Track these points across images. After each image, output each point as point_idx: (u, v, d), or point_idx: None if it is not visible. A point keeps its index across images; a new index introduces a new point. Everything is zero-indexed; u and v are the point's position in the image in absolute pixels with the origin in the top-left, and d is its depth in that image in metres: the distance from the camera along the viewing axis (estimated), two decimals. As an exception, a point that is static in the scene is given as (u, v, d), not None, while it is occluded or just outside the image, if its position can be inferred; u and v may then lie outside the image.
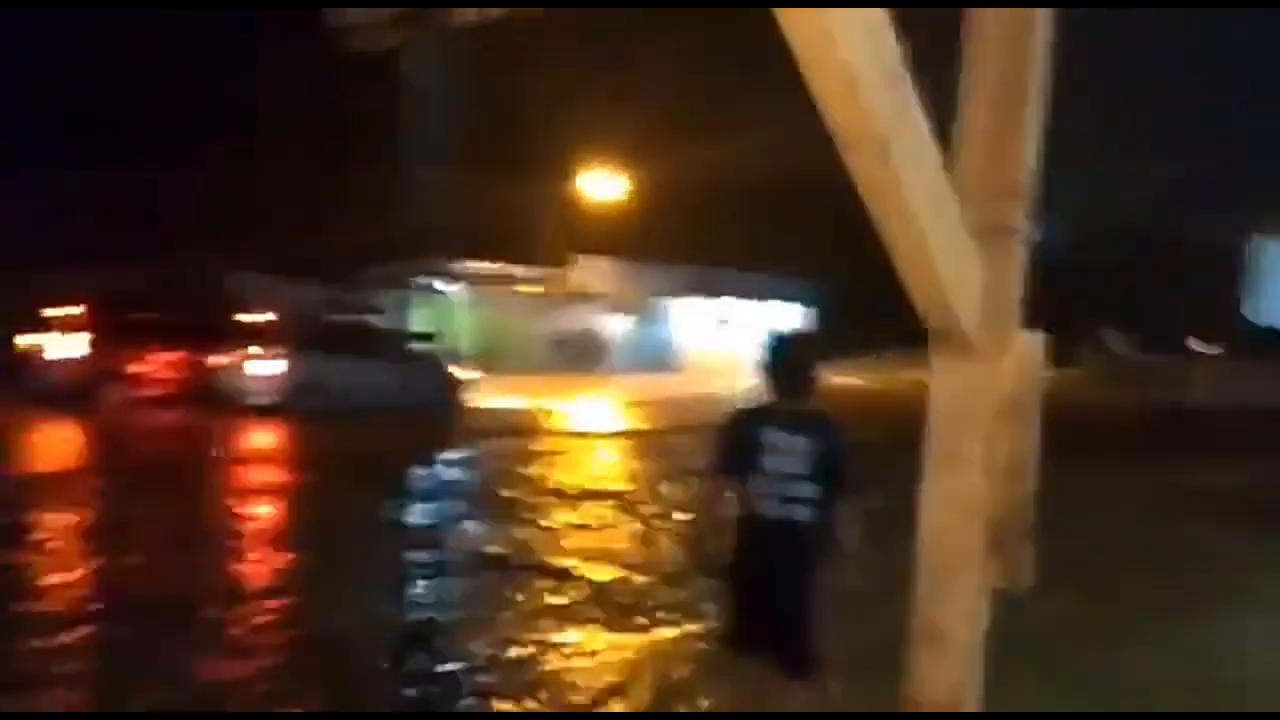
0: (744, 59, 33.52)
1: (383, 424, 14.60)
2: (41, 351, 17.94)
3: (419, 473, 11.42)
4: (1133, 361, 34.57)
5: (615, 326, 32.57)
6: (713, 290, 34.13)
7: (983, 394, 1.69)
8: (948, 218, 1.54)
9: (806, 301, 37.66)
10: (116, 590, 6.55)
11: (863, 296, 40.09)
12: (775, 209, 37.74)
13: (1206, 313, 38.05)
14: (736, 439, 3.59)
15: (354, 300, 23.49)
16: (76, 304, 17.65)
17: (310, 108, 23.33)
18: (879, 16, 1.33)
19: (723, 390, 26.03)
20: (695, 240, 31.25)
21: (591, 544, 8.17)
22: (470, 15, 4.17)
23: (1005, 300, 1.69)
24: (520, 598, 6.52)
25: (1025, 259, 1.71)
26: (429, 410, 16.13)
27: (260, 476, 11.35)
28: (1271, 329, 36.25)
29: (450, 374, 18.09)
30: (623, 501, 10.03)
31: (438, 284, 27.04)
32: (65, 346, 17.66)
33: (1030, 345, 1.73)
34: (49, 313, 17.94)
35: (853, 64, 1.26)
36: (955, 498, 1.71)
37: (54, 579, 6.70)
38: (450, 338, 24.10)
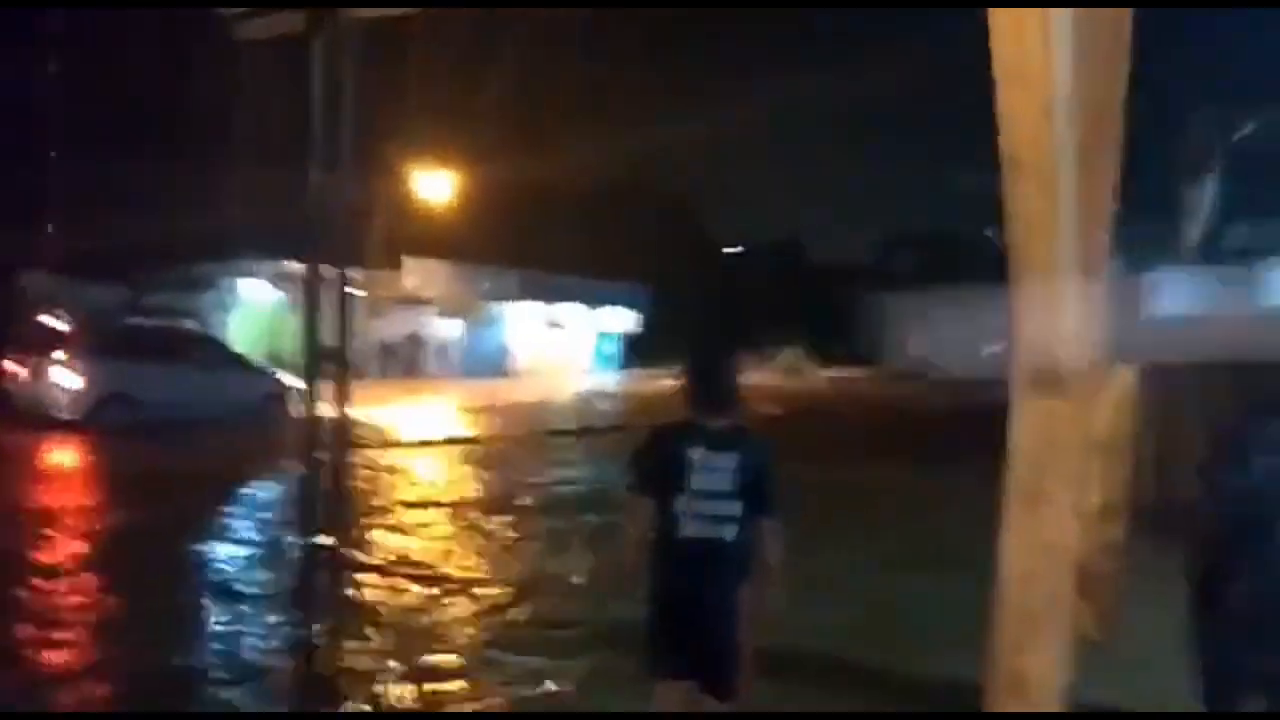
0: (579, 68, 33.82)
1: (198, 437, 13.58)
2: None
3: (239, 490, 10.56)
4: (927, 366, 36.94)
5: (446, 331, 31.79)
6: (544, 294, 33.97)
7: (1074, 433, 1.63)
8: (1071, 249, 1.46)
9: (635, 305, 38.22)
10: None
11: (684, 301, 41.35)
12: (603, 214, 38.21)
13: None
14: (661, 457, 3.49)
15: (164, 303, 21.79)
16: None
17: (118, 97, 21.55)
18: (1069, 44, 1.24)
19: (558, 392, 26.16)
20: (526, 244, 31.09)
21: (445, 559, 7.82)
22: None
23: (1096, 335, 1.64)
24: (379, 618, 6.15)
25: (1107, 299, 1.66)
26: (249, 421, 15.03)
27: (57, 499, 10.07)
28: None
29: (271, 382, 16.78)
30: (464, 512, 9.73)
31: (257, 285, 25.54)
32: None
33: (1124, 384, 1.69)
34: None
35: (1058, 87, 1.16)
36: (1042, 541, 1.64)
37: None
38: (270, 343, 22.75)
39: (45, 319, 16.41)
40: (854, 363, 45.28)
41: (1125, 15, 1.64)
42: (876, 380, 41.58)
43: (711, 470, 3.38)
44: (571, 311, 36.07)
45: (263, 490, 10.61)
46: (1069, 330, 1.56)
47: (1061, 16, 1.17)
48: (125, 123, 21.67)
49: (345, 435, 4.16)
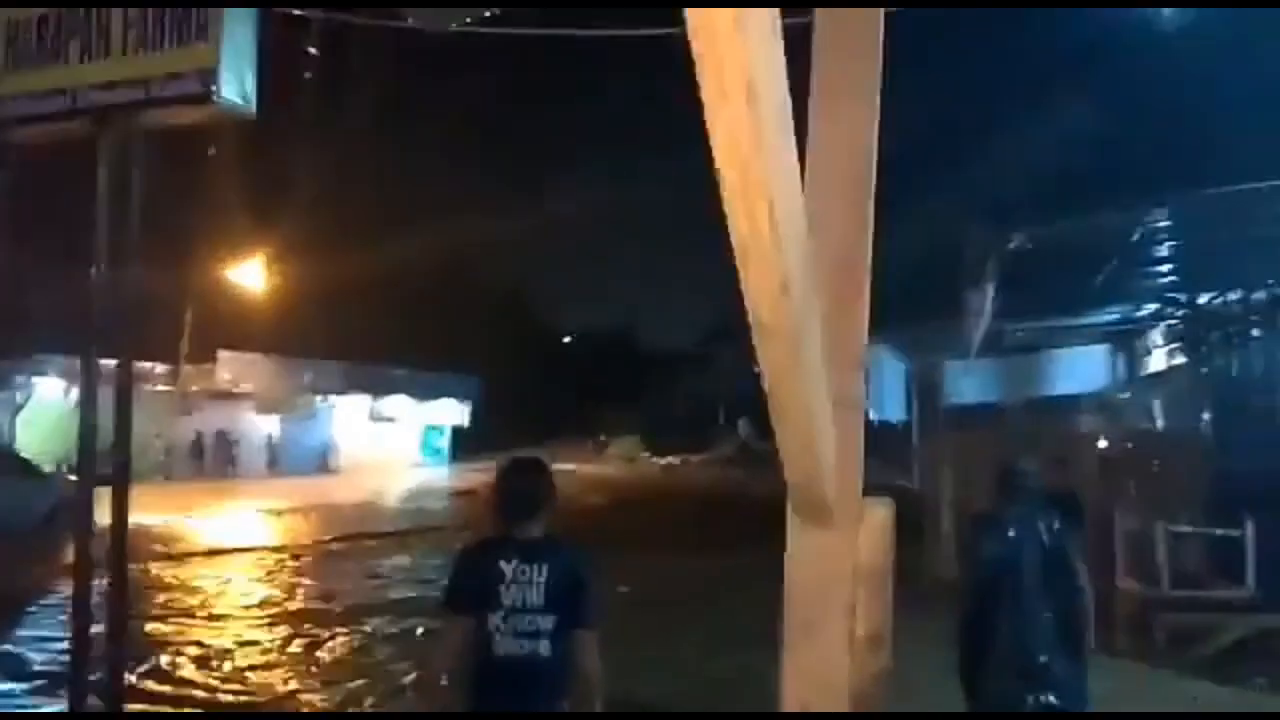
0: (405, 159, 33.67)
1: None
2: None
3: (25, 611, 9.58)
4: (756, 450, 38.17)
5: (264, 426, 30.24)
6: (370, 386, 33.01)
7: (842, 564, 1.71)
8: (824, 394, 1.56)
9: (464, 397, 37.71)
10: None
11: (510, 392, 41.19)
12: (428, 307, 37.81)
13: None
14: (471, 573, 3.43)
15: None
16: None
17: None
18: (802, 221, 1.34)
19: (381, 490, 25.19)
20: (350, 336, 30.27)
21: (263, 679, 7.30)
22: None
23: (855, 470, 1.74)
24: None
25: (863, 429, 1.78)
26: (36, 533, 13.73)
27: None
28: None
29: (60, 489, 15.35)
30: (287, 626, 9.14)
31: (46, 384, 23.64)
32: None
33: (881, 514, 1.79)
34: None
35: (790, 265, 1.25)
36: (817, 670, 1.70)
37: None
38: (61, 446, 20.96)
39: None
40: (687, 449, 46.15)
41: (868, 170, 1.79)
42: (710, 464, 42.53)
43: (522, 583, 3.33)
44: (398, 404, 35.15)
45: (44, 609, 9.64)
46: (829, 466, 1.65)
47: (791, 194, 1.27)
48: None
49: (122, 548, 3.85)
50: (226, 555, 14.14)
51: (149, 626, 8.90)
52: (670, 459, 43.54)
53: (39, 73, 3.85)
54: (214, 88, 3.61)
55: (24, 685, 7.06)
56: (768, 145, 1.18)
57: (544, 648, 3.30)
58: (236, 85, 3.65)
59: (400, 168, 33.17)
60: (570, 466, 34.06)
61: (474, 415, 38.50)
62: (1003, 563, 4.77)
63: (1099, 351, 14.28)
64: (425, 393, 35.72)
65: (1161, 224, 9.17)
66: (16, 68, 3.87)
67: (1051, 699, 4.58)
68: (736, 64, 1.12)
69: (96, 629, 4.02)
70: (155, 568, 12.35)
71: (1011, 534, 4.79)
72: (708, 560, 12.80)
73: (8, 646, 8.28)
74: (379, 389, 33.67)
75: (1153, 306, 13.22)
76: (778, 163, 1.21)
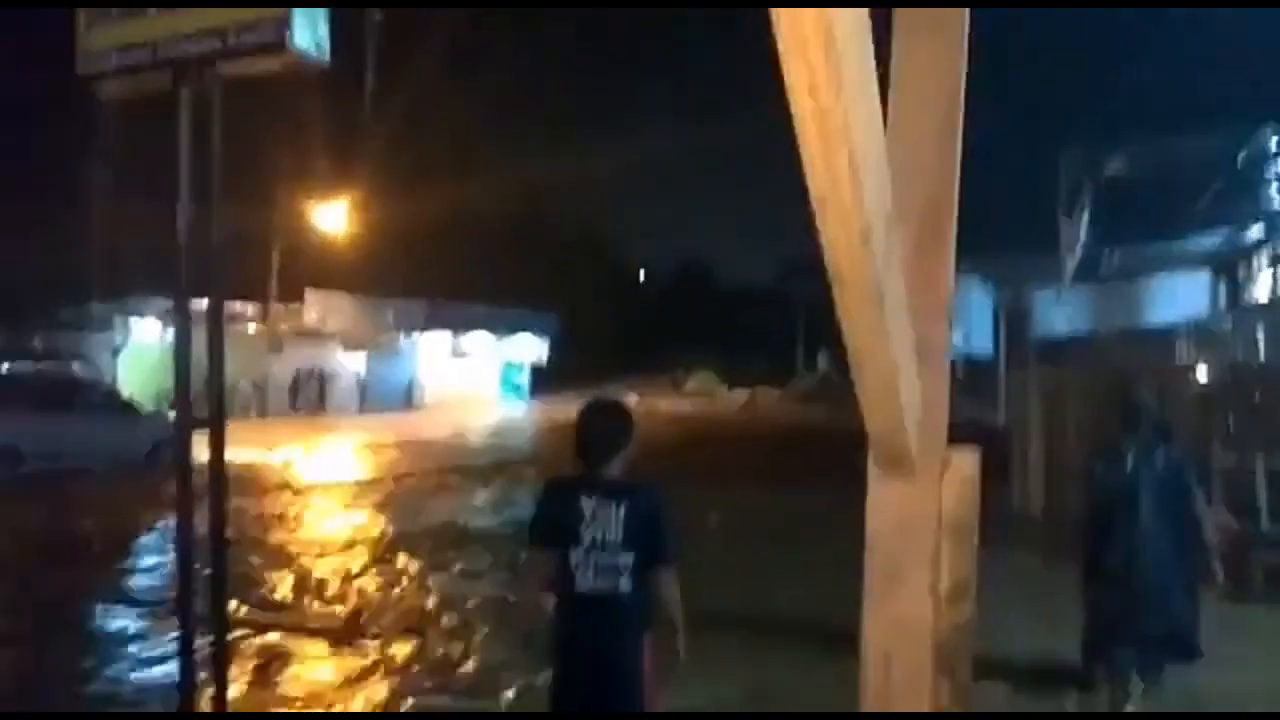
0: (484, 104, 33.70)
1: (81, 489, 13.04)
2: None
3: (139, 543, 10.14)
4: (836, 383, 37.82)
5: (352, 364, 31.10)
6: (451, 324, 33.58)
7: (925, 515, 1.68)
8: (907, 345, 1.51)
9: (542, 333, 38.11)
10: None
11: (588, 329, 41.53)
12: (506, 246, 38.13)
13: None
14: (553, 510, 3.50)
15: (47, 348, 20.87)
16: None
17: None
18: (884, 169, 1.28)
19: (464, 426, 25.78)
20: (431, 275, 30.76)
21: (365, 613, 7.61)
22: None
23: (939, 420, 1.70)
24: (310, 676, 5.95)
25: (951, 376, 1.72)
26: (139, 470, 14.45)
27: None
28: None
29: (162, 427, 16.07)
30: (387, 561, 9.47)
31: (145, 326, 24.64)
32: None
33: (966, 464, 1.75)
34: None
35: (870, 216, 1.20)
36: (900, 621, 1.69)
37: None
38: (160, 385, 21.92)
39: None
40: (766, 383, 45.97)
41: (954, 110, 1.71)
42: (789, 399, 42.34)
43: (601, 521, 3.38)
44: (478, 341, 35.73)
45: (150, 545, 10.19)
46: (913, 418, 1.61)
47: (872, 141, 1.21)
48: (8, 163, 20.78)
49: (221, 485, 4.02)
50: (324, 489, 14.67)
51: (251, 559, 9.32)
52: (749, 394, 43.43)
53: (120, 27, 3.92)
54: (288, 36, 3.63)
55: (133, 616, 7.46)
56: (847, 92, 1.12)
57: (624, 584, 3.36)
58: (310, 33, 3.66)
59: (478, 109, 33.20)
60: (649, 401, 34.36)
61: (552, 351, 38.93)
62: (1124, 492, 5.05)
63: (1199, 278, 13.66)
64: (504, 329, 36.21)
65: (1269, 144, 8.64)
66: (98, 23, 3.95)
67: (1169, 625, 4.98)
68: (814, 9, 1.07)
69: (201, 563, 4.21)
70: (257, 502, 12.89)
71: (1131, 464, 5.07)
72: (791, 495, 12.85)
73: (117, 578, 8.79)
74: (460, 326, 34.24)
75: (1258, 230, 12.53)
76: (858, 110, 1.15)
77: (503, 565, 9.02)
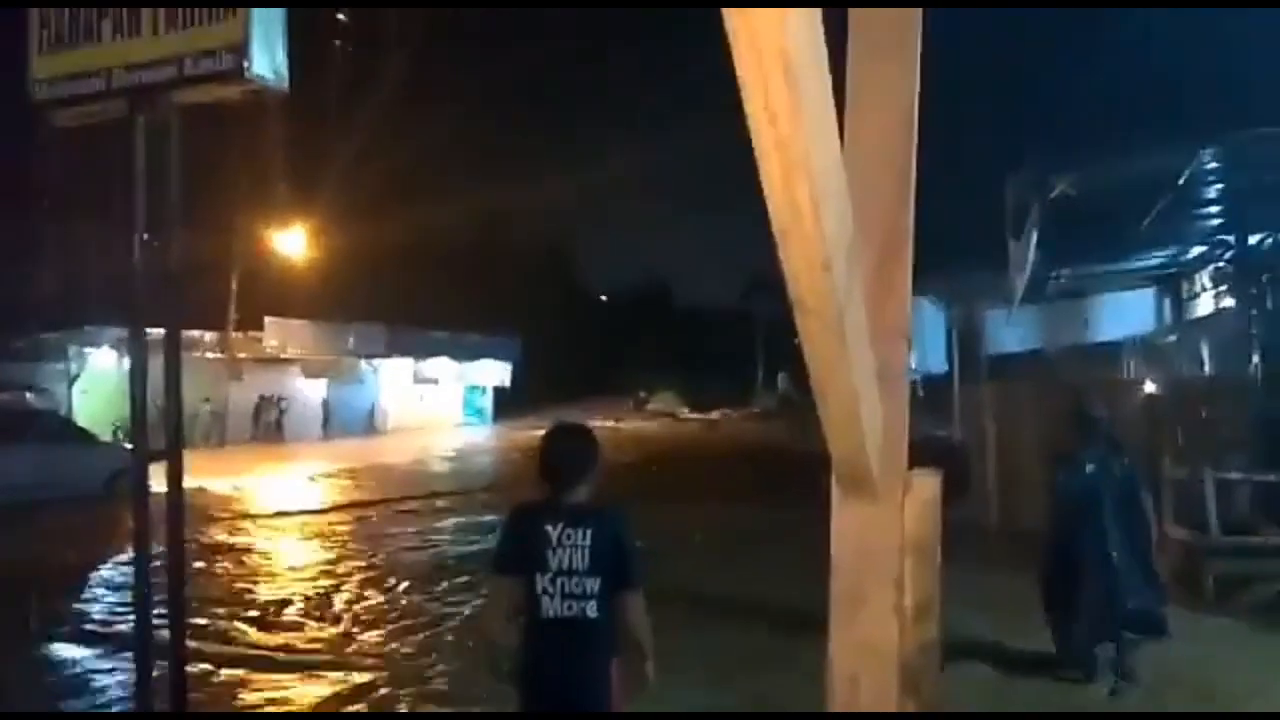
0: (443, 128, 33.66)
1: (37, 521, 12.72)
2: None
3: (95, 574, 9.90)
4: (796, 402, 38.11)
5: (313, 391, 30.74)
6: (412, 349, 33.36)
7: (887, 536, 1.71)
8: (868, 370, 1.54)
9: (504, 357, 37.99)
10: None
11: (550, 352, 41.53)
12: (467, 271, 38.02)
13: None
14: (518, 536, 3.49)
15: (1, 377, 20.42)
16: None
17: None
18: (845, 197, 1.31)
19: (426, 451, 25.54)
20: (392, 301, 30.57)
21: (327, 643, 7.49)
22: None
23: (900, 443, 1.73)
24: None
25: (909, 398, 1.76)
26: (94, 500, 14.13)
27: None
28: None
29: (118, 457, 15.75)
30: (347, 590, 9.33)
31: (102, 355, 24.17)
32: None
33: (928, 486, 1.78)
34: None
35: (831, 244, 1.23)
36: (865, 641, 1.71)
37: None
38: (118, 413, 21.50)
39: None
40: (727, 404, 46.14)
41: (908, 138, 1.75)
42: (751, 418, 42.53)
43: (567, 547, 3.37)
44: (440, 366, 35.51)
45: (106, 577, 9.95)
46: (874, 441, 1.64)
47: (832, 169, 1.24)
48: None
49: (179, 515, 3.95)
50: (282, 517, 14.44)
51: (211, 590, 9.15)
52: (711, 414, 43.56)
53: (74, 55, 3.88)
54: (245, 64, 3.61)
55: (89, 650, 7.28)
56: (808, 123, 1.15)
57: (591, 609, 3.35)
58: (268, 60, 3.65)
59: (437, 134, 33.16)
60: (611, 423, 34.28)
61: (515, 375, 38.78)
62: (1086, 494, 5.64)
63: (1145, 296, 13.98)
64: (466, 354, 36.02)
65: (1209, 165, 8.91)
66: (52, 51, 3.90)
67: (1137, 606, 5.56)
68: (773, 39, 1.09)
69: (158, 594, 4.13)
70: (215, 531, 12.66)
71: (1089, 470, 5.66)
72: (756, 510, 12.92)
73: (73, 610, 8.57)
74: (421, 351, 34.02)
75: (1200, 249, 12.89)
76: (818, 140, 1.18)
77: (465, 591, 8.93)
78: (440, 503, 15.83)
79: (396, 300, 30.95)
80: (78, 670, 6.82)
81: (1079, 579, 5.64)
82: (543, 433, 3.67)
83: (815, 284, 1.25)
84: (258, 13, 3.64)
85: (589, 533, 3.36)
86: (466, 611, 8.21)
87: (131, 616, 7.45)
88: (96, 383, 23.59)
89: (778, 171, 1.18)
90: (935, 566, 1.75)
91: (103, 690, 6.31)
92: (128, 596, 8.67)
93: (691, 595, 8.01)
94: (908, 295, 1.74)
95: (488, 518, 13.00)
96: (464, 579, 9.43)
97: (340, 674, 6.62)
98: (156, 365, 3.95)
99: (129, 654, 6.19)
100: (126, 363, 16.21)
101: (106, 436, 17.95)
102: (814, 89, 1.18)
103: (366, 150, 28.86)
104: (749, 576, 9.37)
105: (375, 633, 7.78)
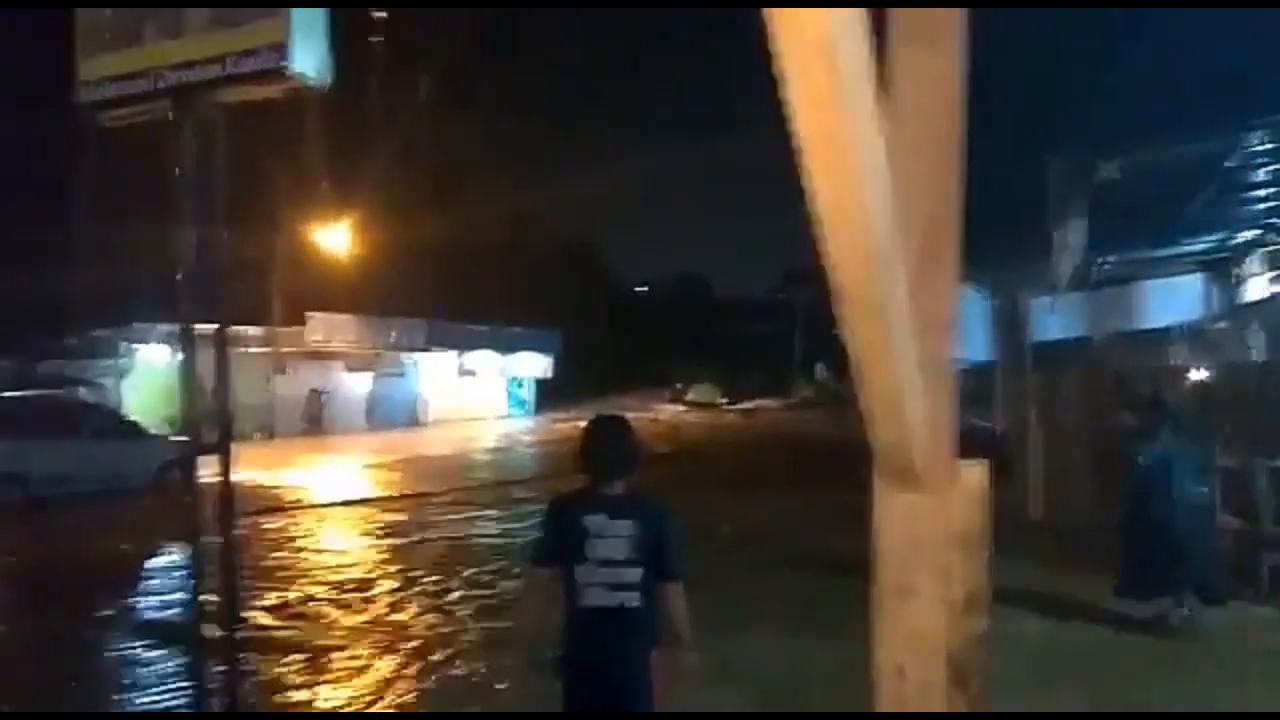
0: (482, 127, 33.89)
1: (91, 513, 13.05)
2: None
3: (147, 566, 10.16)
4: (834, 391, 37.87)
5: (357, 384, 31.16)
6: (454, 342, 33.66)
7: (934, 526, 1.69)
8: (913, 359, 1.53)
9: (545, 349, 38.18)
10: None
11: (589, 344, 41.66)
12: (508, 264, 38.21)
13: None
14: (559, 527, 3.51)
15: (52, 373, 20.91)
16: None
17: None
18: (887, 185, 1.29)
19: (468, 443, 25.77)
20: (434, 294, 30.81)
21: (376, 631, 7.58)
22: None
23: (946, 433, 1.71)
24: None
25: (957, 388, 1.73)
26: (145, 493, 14.43)
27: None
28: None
29: (168, 449, 16.07)
30: (395, 580, 9.45)
31: (150, 350, 24.65)
32: None
33: (976, 477, 1.76)
34: None
35: (875, 233, 1.22)
36: (913, 634, 1.69)
37: None
38: (168, 407, 21.92)
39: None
40: (765, 393, 45.98)
41: (955, 123, 1.72)
42: (788, 408, 42.36)
43: (609, 538, 3.39)
44: (482, 359, 35.78)
45: (159, 568, 10.17)
46: (920, 433, 1.62)
47: (876, 158, 1.22)
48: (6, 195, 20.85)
49: (230, 507, 4.03)
50: (327, 509, 14.64)
51: (262, 578, 9.30)
52: (748, 404, 43.43)
53: (119, 57, 3.96)
54: (287, 63, 3.66)
55: (142, 640, 7.44)
56: (851, 110, 1.14)
57: (632, 600, 3.38)
58: (310, 58, 3.70)
59: (476, 130, 33.30)
60: (650, 414, 34.30)
61: (555, 367, 38.95)
62: (1160, 466, 6.46)
63: (1193, 282, 13.67)
64: (507, 347, 36.27)
65: (1259, 148, 8.68)
66: (98, 53, 3.98)
67: (1200, 573, 6.39)
68: (814, 24, 1.08)
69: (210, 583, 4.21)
70: (265, 522, 12.87)
71: (1163, 448, 6.49)
72: (794, 499, 12.90)
73: (125, 602, 8.77)
74: (463, 344, 34.29)
75: (1250, 233, 12.57)
76: (862, 129, 1.17)
77: (508, 580, 9.00)
78: (483, 493, 15.94)
79: (438, 294, 31.21)
80: (136, 659, 6.98)
81: (1152, 540, 6.38)
82: (583, 424, 3.69)
83: (859, 273, 1.24)
84: (298, 12, 3.69)
85: (630, 524, 3.39)
86: (504, 601, 8.28)
87: (185, 605, 7.68)
88: (146, 378, 24.08)
89: (821, 160, 1.17)
90: (984, 558, 1.73)
91: (160, 678, 6.44)
92: (182, 584, 8.88)
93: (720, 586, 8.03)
94: (954, 285, 1.72)
95: (528, 509, 13.10)
96: (505, 568, 9.54)
97: (385, 661, 6.71)
98: (205, 360, 4.03)
99: (181, 643, 6.36)
100: (175, 357, 16.74)
101: (157, 430, 18.28)
102: (855, 74, 1.16)
103: (407, 147, 29.10)
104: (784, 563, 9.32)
105: (420, 620, 7.88)
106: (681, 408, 42.56)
